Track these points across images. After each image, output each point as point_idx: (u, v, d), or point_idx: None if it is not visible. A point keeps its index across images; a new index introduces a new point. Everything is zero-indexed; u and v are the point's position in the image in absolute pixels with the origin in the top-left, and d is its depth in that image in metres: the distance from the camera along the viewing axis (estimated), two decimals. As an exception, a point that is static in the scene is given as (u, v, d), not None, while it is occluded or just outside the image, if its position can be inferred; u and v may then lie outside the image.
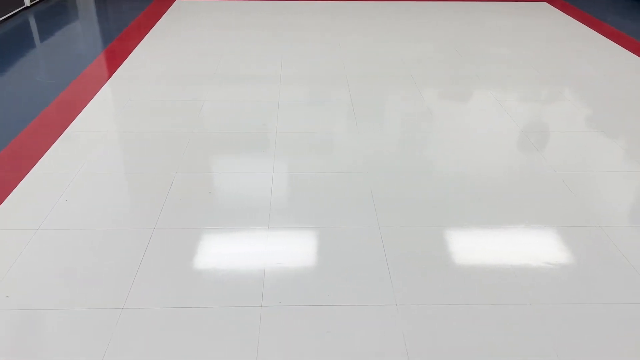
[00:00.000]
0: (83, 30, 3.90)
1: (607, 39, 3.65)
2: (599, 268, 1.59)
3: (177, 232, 1.72)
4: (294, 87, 2.84)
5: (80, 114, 2.54)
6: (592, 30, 3.85)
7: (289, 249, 1.65)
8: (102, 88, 2.82)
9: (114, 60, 3.26)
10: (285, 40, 3.57)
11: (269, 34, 3.71)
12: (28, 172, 2.04)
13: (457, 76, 3.02)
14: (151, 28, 3.83)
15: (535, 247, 1.67)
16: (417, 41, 3.58)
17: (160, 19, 4.03)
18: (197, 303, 1.44)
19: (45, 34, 3.73)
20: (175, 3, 4.45)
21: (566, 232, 1.74)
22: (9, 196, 1.89)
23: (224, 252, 1.64)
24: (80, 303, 1.43)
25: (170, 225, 1.75)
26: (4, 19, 3.92)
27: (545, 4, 4.52)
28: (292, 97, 2.72)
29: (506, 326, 1.38)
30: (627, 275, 1.56)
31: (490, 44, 3.55)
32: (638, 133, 2.41)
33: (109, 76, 2.99)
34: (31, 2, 4.30)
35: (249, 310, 1.41)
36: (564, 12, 4.25)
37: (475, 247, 1.67)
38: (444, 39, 3.63)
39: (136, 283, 1.51)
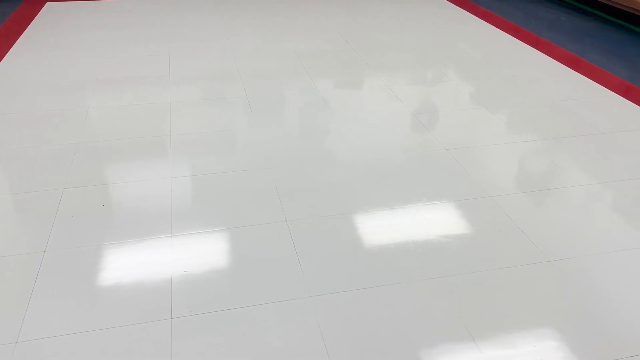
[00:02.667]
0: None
1: (483, 21, 3.89)
2: (493, 236, 1.69)
3: (71, 252, 1.60)
4: (186, 87, 2.75)
5: (-56, 135, 2.28)
6: (470, 14, 4.08)
7: (196, 255, 1.59)
8: (-31, 103, 2.56)
9: (-20, 72, 2.97)
10: (172, 39, 3.45)
11: (153, 33, 3.56)
12: None
13: (348, 65, 3.07)
14: (20, 34, 3.54)
15: (435, 223, 1.75)
16: (307, 33, 3.60)
17: (30, 24, 3.73)
18: (102, 325, 1.35)
19: None
20: (45, 6, 4.13)
21: (461, 205, 1.83)
22: None
23: (125, 267, 1.55)
24: (-35, 344, 1.29)
25: (63, 246, 1.62)
26: None
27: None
28: (184, 97, 2.63)
29: (415, 302, 1.43)
30: (519, 240, 1.68)
31: (379, 32, 3.65)
32: (516, 106, 2.59)
33: (-24, 90, 2.73)
34: None
35: (159, 325, 1.35)
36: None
37: (380, 228, 1.71)
38: (335, 30, 3.68)
39: (29, 313, 1.38)
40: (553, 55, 3.25)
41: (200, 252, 1.60)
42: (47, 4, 4.19)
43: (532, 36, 3.58)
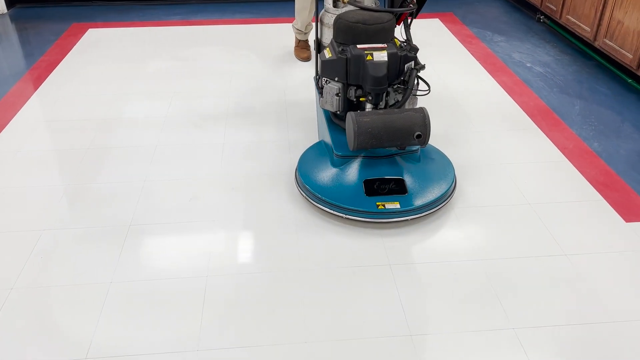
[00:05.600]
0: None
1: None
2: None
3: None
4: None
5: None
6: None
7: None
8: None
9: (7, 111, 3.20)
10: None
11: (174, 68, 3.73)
12: None
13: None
14: (57, 65, 3.79)
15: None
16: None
17: (69, 53, 4.00)
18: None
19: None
20: (87, 33, 4.40)
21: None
22: None
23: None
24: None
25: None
26: None
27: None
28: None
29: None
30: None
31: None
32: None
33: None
34: None
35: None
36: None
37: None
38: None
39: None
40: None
41: None
42: (90, 30, 4.42)
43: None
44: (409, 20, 2.50)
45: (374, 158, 2.33)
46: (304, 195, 2.35)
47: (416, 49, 2.30)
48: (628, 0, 3.31)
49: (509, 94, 3.40)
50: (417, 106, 2.35)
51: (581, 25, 3.84)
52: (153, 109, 3.23)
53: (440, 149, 2.61)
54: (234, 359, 1.72)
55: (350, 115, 2.15)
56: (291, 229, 2.27)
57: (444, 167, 2.45)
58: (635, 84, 3.46)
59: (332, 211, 2.24)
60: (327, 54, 2.30)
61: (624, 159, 2.75)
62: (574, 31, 3.97)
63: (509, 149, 2.82)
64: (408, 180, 2.29)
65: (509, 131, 2.99)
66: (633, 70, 3.34)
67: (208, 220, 2.32)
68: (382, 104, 2.32)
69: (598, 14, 3.63)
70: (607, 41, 3.55)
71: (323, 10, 2.62)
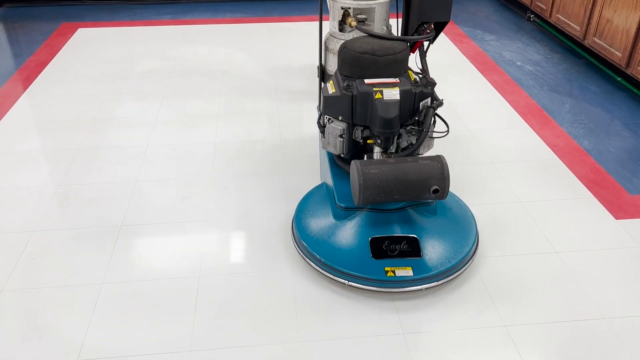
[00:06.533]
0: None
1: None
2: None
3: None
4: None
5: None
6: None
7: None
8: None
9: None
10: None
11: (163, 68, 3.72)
12: None
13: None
14: (45, 65, 3.76)
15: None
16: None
17: (58, 53, 3.96)
18: None
19: None
20: (77, 32, 4.37)
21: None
22: None
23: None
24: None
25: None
26: None
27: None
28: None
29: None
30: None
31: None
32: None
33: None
34: None
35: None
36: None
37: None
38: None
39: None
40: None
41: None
42: (79, 29, 4.39)
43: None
44: (425, 47, 2.17)
45: (383, 212, 2.00)
46: (301, 253, 2.05)
47: (433, 84, 1.95)
48: (617, -1, 3.35)
49: (499, 92, 3.42)
50: (433, 148, 2.14)
51: (571, 24, 3.87)
52: (144, 109, 3.22)
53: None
54: (227, 359, 1.72)
55: (355, 165, 1.83)
56: (283, 227, 2.28)
57: (463, 219, 2.13)
58: (624, 82, 3.49)
59: (332, 276, 1.94)
60: (331, 88, 1.99)
61: (614, 157, 2.77)
62: (563, 30, 4.00)
63: (499, 147, 2.84)
64: (423, 238, 1.96)
65: (500, 129, 3.01)
66: (622, 69, 3.37)
67: (200, 220, 2.32)
68: (392, 148, 1.99)
69: (587, 13, 3.65)
70: (597, 40, 3.57)
71: (328, 34, 2.36)
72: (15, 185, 2.54)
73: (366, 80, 1.91)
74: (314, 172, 2.61)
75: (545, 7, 4.21)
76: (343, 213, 2.03)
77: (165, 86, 3.47)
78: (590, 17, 3.62)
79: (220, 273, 2.04)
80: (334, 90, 1.97)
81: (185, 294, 1.94)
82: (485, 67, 3.77)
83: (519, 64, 3.85)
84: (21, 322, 1.84)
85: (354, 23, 2.13)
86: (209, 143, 2.86)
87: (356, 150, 2.05)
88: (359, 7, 2.16)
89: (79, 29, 4.45)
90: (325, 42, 2.33)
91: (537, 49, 4.11)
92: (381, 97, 1.87)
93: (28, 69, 3.72)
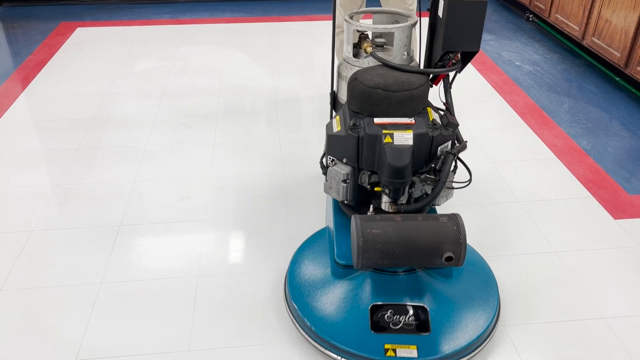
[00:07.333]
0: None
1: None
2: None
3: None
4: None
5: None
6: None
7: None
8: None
9: None
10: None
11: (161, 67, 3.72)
12: None
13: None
14: (44, 65, 3.77)
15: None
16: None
17: (57, 52, 3.97)
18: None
19: None
20: (75, 32, 4.38)
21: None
22: None
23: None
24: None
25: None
26: None
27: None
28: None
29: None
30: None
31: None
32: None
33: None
34: None
35: None
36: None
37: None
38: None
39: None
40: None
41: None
42: (78, 29, 4.38)
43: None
44: (451, 79, 1.86)
45: (389, 274, 1.73)
46: (291, 316, 1.80)
47: (455, 125, 1.69)
48: (615, -1, 3.35)
49: (498, 92, 3.42)
50: (452, 199, 1.86)
51: (569, 24, 3.87)
52: (142, 108, 3.21)
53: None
54: (225, 359, 1.72)
55: (354, 223, 1.56)
56: (282, 227, 2.27)
57: (483, 282, 1.84)
58: (623, 82, 3.49)
59: (322, 348, 1.66)
60: (336, 125, 1.74)
61: (612, 157, 2.77)
62: (562, 30, 4.00)
63: (498, 147, 2.84)
64: (433, 309, 1.66)
65: (498, 129, 3.01)
66: (621, 69, 3.37)
67: (199, 220, 2.32)
68: (403, 198, 1.71)
69: (586, 13, 3.65)
70: (595, 40, 3.58)
71: (342, 61, 2.01)
72: (13, 184, 2.54)
73: (376, 120, 1.65)
74: (314, 171, 2.61)
75: (544, 7, 4.21)
76: (343, 271, 1.76)
77: (164, 86, 3.47)
78: (589, 17, 3.63)
79: (219, 273, 2.04)
80: (339, 129, 1.71)
81: (184, 294, 1.94)
82: (484, 67, 3.78)
83: (517, 63, 3.85)
84: (20, 322, 1.84)
85: (369, 49, 1.82)
86: (207, 142, 2.86)
87: (363, 196, 1.79)
88: (376, 31, 1.86)
89: (78, 29, 4.45)
90: (338, 69, 1.98)
91: (535, 49, 4.11)
92: (391, 141, 1.60)
93: (27, 68, 3.71)
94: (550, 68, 3.79)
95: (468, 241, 2.12)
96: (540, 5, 4.27)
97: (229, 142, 2.87)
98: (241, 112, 3.17)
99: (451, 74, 1.86)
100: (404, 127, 1.62)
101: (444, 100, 1.82)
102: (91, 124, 3.03)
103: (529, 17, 4.59)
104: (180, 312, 1.87)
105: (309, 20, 4.65)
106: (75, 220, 2.31)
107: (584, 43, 3.72)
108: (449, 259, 1.52)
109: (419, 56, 2.01)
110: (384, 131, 1.61)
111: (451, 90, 1.83)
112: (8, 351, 1.74)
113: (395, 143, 1.59)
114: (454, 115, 1.79)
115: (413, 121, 1.65)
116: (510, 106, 3.24)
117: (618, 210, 2.39)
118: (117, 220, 2.30)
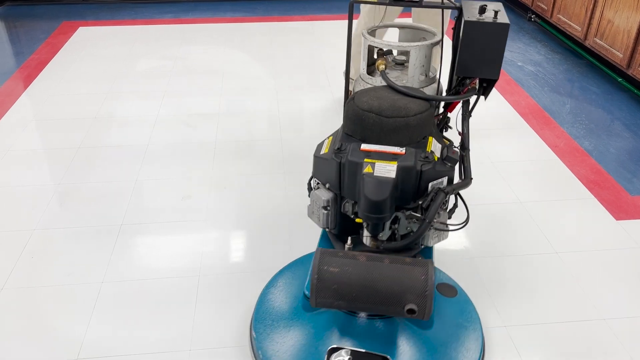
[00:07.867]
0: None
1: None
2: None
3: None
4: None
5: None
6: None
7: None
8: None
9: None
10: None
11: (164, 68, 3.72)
12: None
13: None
14: (46, 64, 3.77)
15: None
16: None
17: (59, 52, 3.98)
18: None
19: None
20: (77, 31, 4.39)
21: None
22: None
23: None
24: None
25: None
26: None
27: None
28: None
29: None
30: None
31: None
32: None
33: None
34: None
35: None
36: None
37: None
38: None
39: None
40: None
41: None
42: (80, 28, 4.39)
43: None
44: (471, 106, 1.68)
45: (354, 314, 1.57)
46: (250, 347, 1.71)
47: (454, 160, 1.50)
48: (618, -1, 3.35)
49: (500, 92, 3.41)
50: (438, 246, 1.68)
51: (572, 24, 3.86)
52: (144, 108, 3.21)
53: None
54: (227, 358, 1.72)
55: (315, 255, 1.42)
56: (284, 227, 2.27)
57: (463, 333, 1.66)
58: (625, 83, 3.48)
59: None
60: (325, 146, 1.57)
61: (614, 157, 2.77)
62: (564, 30, 4.00)
63: (500, 147, 2.84)
64: None
65: (501, 130, 3.01)
66: (623, 69, 3.36)
67: (200, 219, 2.32)
68: (384, 235, 1.56)
69: (588, 13, 3.65)
70: (598, 40, 3.57)
71: (358, 77, 1.87)
72: (15, 183, 2.54)
73: (362, 146, 1.48)
74: (314, 171, 2.60)
75: (546, 8, 4.21)
76: (309, 305, 1.54)
77: (165, 85, 3.47)
78: (591, 18, 3.62)
79: (220, 272, 2.04)
80: (326, 151, 1.53)
81: (185, 293, 1.94)
82: (486, 67, 3.77)
83: (519, 64, 3.85)
84: (21, 321, 1.84)
85: (381, 67, 1.68)
86: (209, 142, 2.86)
87: (350, 224, 1.59)
88: (389, 48, 1.73)
89: (80, 28, 4.45)
90: (354, 87, 1.85)
91: (538, 49, 4.11)
92: (371, 171, 1.42)
93: (29, 68, 3.72)
94: (552, 68, 3.79)
95: (468, 244, 2.12)
96: (543, 6, 4.26)
97: (231, 141, 2.88)
98: (242, 111, 3.18)
99: (472, 101, 1.68)
100: (390, 157, 1.44)
101: (460, 130, 1.65)
102: (93, 123, 3.04)
103: (531, 18, 4.58)
104: (181, 311, 1.87)
105: (310, 20, 4.65)
106: (76, 219, 2.31)
107: (586, 44, 3.71)
108: (410, 311, 1.34)
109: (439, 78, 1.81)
110: (366, 159, 1.44)
111: (469, 119, 1.65)
112: (9, 350, 1.74)
113: (375, 174, 1.41)
114: (468, 148, 1.62)
115: (403, 151, 1.46)
116: (512, 106, 3.24)
117: (620, 211, 2.38)
118: (118, 220, 2.30)
